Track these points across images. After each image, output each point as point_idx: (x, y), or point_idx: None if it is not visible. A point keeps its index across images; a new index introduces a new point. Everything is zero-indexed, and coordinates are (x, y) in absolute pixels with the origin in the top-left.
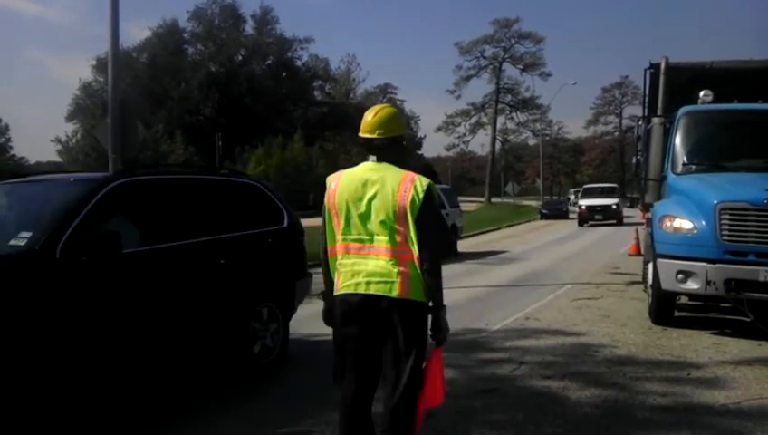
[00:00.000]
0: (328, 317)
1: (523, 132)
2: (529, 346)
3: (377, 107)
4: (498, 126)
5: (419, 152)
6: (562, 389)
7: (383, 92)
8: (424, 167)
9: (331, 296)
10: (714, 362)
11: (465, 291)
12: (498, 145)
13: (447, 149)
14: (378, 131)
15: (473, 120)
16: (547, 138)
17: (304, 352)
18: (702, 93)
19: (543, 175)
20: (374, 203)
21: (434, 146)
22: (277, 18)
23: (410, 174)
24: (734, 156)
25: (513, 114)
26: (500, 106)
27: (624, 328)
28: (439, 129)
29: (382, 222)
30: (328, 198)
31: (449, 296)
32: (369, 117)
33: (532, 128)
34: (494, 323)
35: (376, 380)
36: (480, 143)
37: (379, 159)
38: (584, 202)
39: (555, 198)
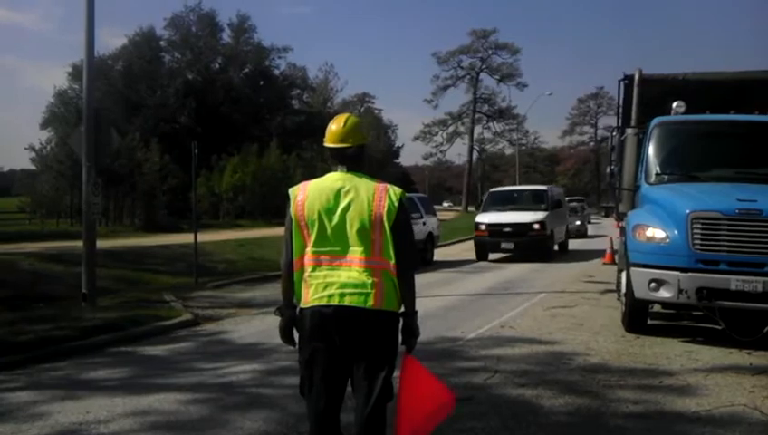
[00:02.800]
0: (286, 332)
1: (499, 142)
2: (504, 354)
3: (342, 117)
4: (475, 135)
5: (397, 161)
6: (536, 397)
7: (361, 101)
8: (401, 175)
9: (292, 311)
10: (686, 369)
11: (440, 299)
12: (475, 154)
13: (425, 159)
14: (349, 140)
15: (450, 130)
16: (523, 147)
17: (277, 361)
18: (675, 104)
19: (520, 184)
20: (349, 213)
21: (411, 155)
22: (255, 27)
23: (382, 183)
24: (706, 166)
25: (490, 124)
26: (477, 116)
27: (598, 336)
28: (417, 138)
29: (358, 232)
30: (295, 210)
31: (424, 305)
32: (337, 126)
33: (509, 137)
34: (469, 332)
35: (344, 392)
36: (457, 152)
37: (350, 169)
38: (485, 218)
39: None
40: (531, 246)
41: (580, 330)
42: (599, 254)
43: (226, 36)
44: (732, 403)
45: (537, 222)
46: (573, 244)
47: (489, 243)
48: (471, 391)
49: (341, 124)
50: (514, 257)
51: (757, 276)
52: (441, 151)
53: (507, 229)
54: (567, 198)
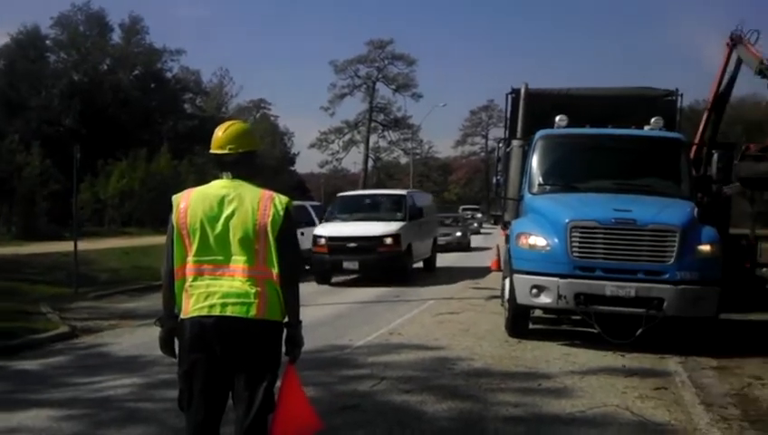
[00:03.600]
0: (167, 343)
1: (394, 151)
2: (391, 361)
3: (227, 123)
4: (371, 144)
5: (292, 168)
6: (421, 403)
7: (257, 107)
8: (296, 183)
9: (173, 321)
10: (563, 372)
11: (330, 307)
12: (371, 163)
13: (321, 166)
14: (229, 147)
15: (346, 138)
16: (418, 157)
17: (159, 374)
18: (557, 118)
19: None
20: (232, 222)
21: (307, 163)
22: (147, 28)
23: (268, 192)
24: (585, 177)
25: (386, 133)
26: (373, 125)
27: (482, 341)
28: (313, 145)
29: (241, 241)
30: (177, 218)
31: (314, 313)
32: (219, 133)
33: (404, 147)
34: (357, 340)
35: (225, 404)
36: (353, 160)
37: (236, 176)
38: (325, 230)
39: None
40: (380, 266)
41: (465, 335)
42: (475, 273)
43: (117, 37)
44: (605, 404)
45: (389, 235)
46: (451, 259)
47: (329, 262)
48: (357, 398)
49: (223, 131)
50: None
51: (630, 282)
52: (337, 159)
53: (351, 244)
54: (462, 207)
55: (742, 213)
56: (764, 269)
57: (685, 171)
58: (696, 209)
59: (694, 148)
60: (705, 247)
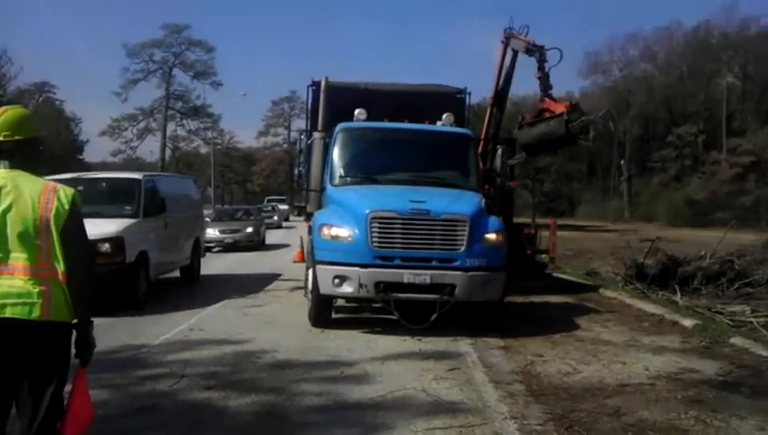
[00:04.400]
0: None
1: (194, 140)
2: (192, 358)
3: (1, 108)
4: (169, 133)
5: (81, 157)
6: (223, 398)
7: (39, 91)
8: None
9: None
10: (365, 359)
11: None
12: (168, 152)
13: (113, 155)
14: (3, 134)
15: (141, 126)
16: (219, 147)
17: None
18: (357, 112)
19: (215, 184)
20: (10, 216)
21: (98, 151)
22: None
23: (52, 183)
24: (384, 170)
25: (185, 121)
26: (170, 112)
27: (286, 333)
28: (104, 133)
29: (20, 236)
30: None
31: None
32: None
33: (204, 136)
34: (155, 338)
35: (7, 414)
36: (149, 149)
37: (13, 166)
38: None
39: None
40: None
41: (269, 328)
42: (289, 252)
43: None
44: (404, 387)
45: (105, 239)
46: (229, 261)
47: None
48: (155, 398)
49: None
50: (206, 258)
51: (426, 270)
52: (131, 148)
53: None
54: (267, 198)
55: (525, 203)
56: (543, 255)
57: (473, 165)
58: (483, 200)
59: (481, 143)
60: (492, 236)
